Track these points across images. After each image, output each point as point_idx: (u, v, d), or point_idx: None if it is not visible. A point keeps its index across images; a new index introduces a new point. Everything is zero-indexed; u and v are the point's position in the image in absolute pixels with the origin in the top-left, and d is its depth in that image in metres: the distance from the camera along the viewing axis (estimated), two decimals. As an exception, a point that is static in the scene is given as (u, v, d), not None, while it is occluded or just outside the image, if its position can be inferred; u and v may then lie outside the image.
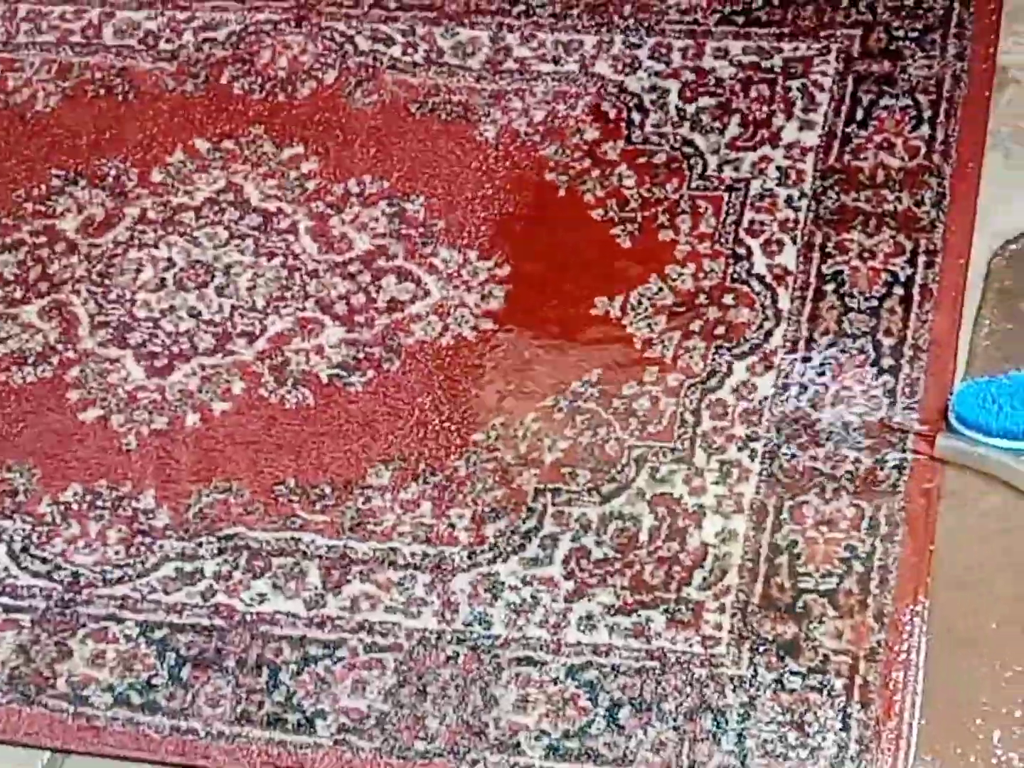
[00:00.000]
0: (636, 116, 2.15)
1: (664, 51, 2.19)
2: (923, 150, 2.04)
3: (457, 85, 2.21)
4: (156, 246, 2.16)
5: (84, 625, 1.88)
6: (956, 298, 1.94)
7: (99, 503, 1.96)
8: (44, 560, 1.94)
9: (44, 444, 2.02)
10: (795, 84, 2.12)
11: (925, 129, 2.06)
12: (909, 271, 1.96)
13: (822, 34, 2.15)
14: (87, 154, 2.24)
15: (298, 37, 2.29)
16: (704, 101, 2.14)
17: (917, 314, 1.93)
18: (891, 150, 2.05)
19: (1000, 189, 2.01)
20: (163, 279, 2.13)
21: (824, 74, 2.12)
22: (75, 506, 1.97)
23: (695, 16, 2.21)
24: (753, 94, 2.13)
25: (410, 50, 2.25)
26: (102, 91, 2.29)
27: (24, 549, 1.95)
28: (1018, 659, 1.71)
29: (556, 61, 2.20)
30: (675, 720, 1.72)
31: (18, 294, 2.15)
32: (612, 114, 2.16)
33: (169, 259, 2.15)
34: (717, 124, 2.11)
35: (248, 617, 1.85)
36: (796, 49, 2.15)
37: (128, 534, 1.94)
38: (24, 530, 1.96)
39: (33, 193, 2.22)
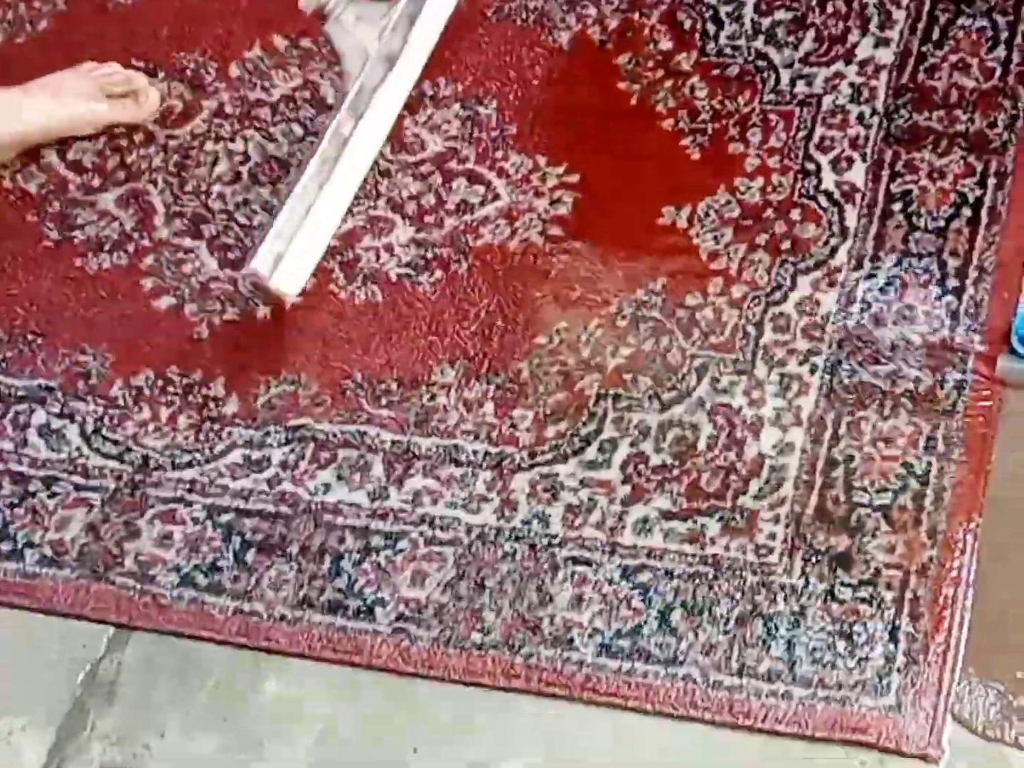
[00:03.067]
0: (711, 27, 2.14)
1: (742, -37, 2.27)
2: (999, 71, 2.02)
3: (534, -10, 2.30)
4: (232, 140, 2.18)
5: (152, 506, 1.93)
6: (1024, 222, 2.01)
7: (170, 389, 2.00)
8: (115, 442, 1.98)
9: (118, 329, 2.07)
10: (872, 0, 2.11)
11: (1001, 51, 2.03)
12: (978, 192, 1.95)
13: (902, -49, 2.22)
14: (166, 47, 2.26)
15: (380, -64, 2.38)
16: (780, 15, 2.12)
17: (984, 236, 1.92)
18: (966, 71, 2.03)
19: (1073, 114, 2.06)
20: (238, 172, 2.16)
21: (902, -10, 2.19)
22: (146, 391, 2.01)
23: (774, -71, 2.27)
24: (829, 9, 2.11)
25: (487, -46, 2.34)
26: (183, -17, 2.40)
27: (96, 431, 2.00)
28: (1067, 580, 1.80)
29: (633, -31, 2.29)
30: (726, 625, 1.75)
31: (96, 182, 2.18)
32: (687, 24, 2.15)
33: (245, 153, 2.17)
34: (792, 39, 2.10)
35: (312, 506, 1.90)
36: (875, -35, 2.22)
37: (197, 420, 1.98)
38: (96, 412, 2.01)
39: (114, 83, 2.34)
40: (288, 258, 1.82)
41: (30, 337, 2.08)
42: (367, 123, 1.99)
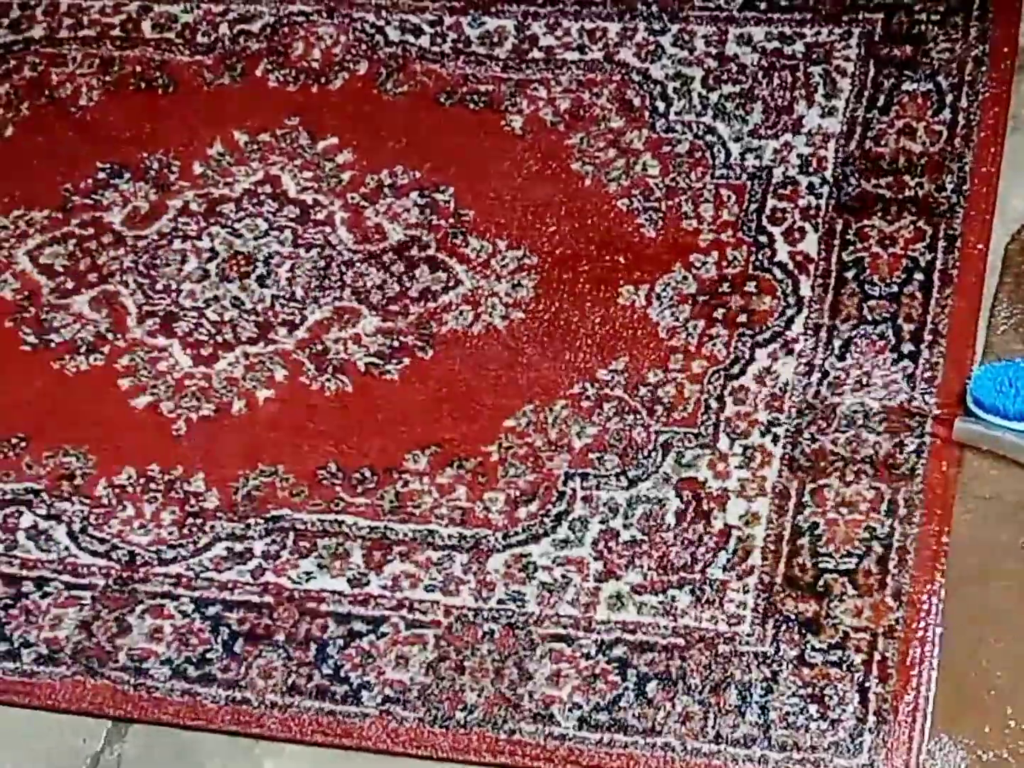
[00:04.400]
0: (660, 104, 2.17)
1: (687, 38, 2.21)
2: (944, 135, 2.06)
3: (485, 75, 2.25)
4: (199, 237, 2.22)
5: (142, 602, 1.98)
6: (975, 283, 1.96)
7: (152, 486, 2.05)
8: (102, 540, 2.03)
9: (98, 430, 2.11)
10: (817, 70, 2.13)
11: (947, 113, 2.07)
12: (929, 257, 1.99)
13: (844, 18, 2.16)
14: (131, 148, 2.29)
15: (330, 29, 2.33)
16: (727, 88, 2.16)
17: (937, 299, 1.96)
18: (912, 135, 2.06)
19: (1021, 173, 2.01)
20: (206, 270, 2.20)
21: (846, 59, 2.13)
22: (130, 489, 2.06)
23: (718, 2, 2.22)
24: (776, 81, 2.14)
25: (439, 40, 2.28)
26: (143, 85, 2.35)
27: (83, 530, 2.05)
28: (1031, 635, 1.83)
29: (581, 49, 2.23)
30: (701, 694, 1.80)
31: (69, 285, 2.22)
32: (636, 102, 2.18)
33: (212, 250, 2.21)
34: (740, 112, 2.13)
35: (296, 594, 1.94)
36: (818, 34, 2.16)
37: (180, 516, 2.03)
38: (82, 512, 2.06)
39: (80, 186, 2.28)
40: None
41: (13, 441, 2.11)
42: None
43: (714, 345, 1.99)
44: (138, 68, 2.36)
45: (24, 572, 2.02)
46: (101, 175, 2.28)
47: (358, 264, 2.15)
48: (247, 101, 2.29)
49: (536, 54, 2.24)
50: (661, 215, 2.09)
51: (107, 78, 2.36)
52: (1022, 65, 2.09)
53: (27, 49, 2.42)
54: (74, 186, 2.28)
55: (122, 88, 2.35)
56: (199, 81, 2.33)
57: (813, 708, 1.76)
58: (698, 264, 2.05)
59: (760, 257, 2.04)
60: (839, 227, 2.03)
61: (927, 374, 1.92)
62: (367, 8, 2.32)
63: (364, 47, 2.30)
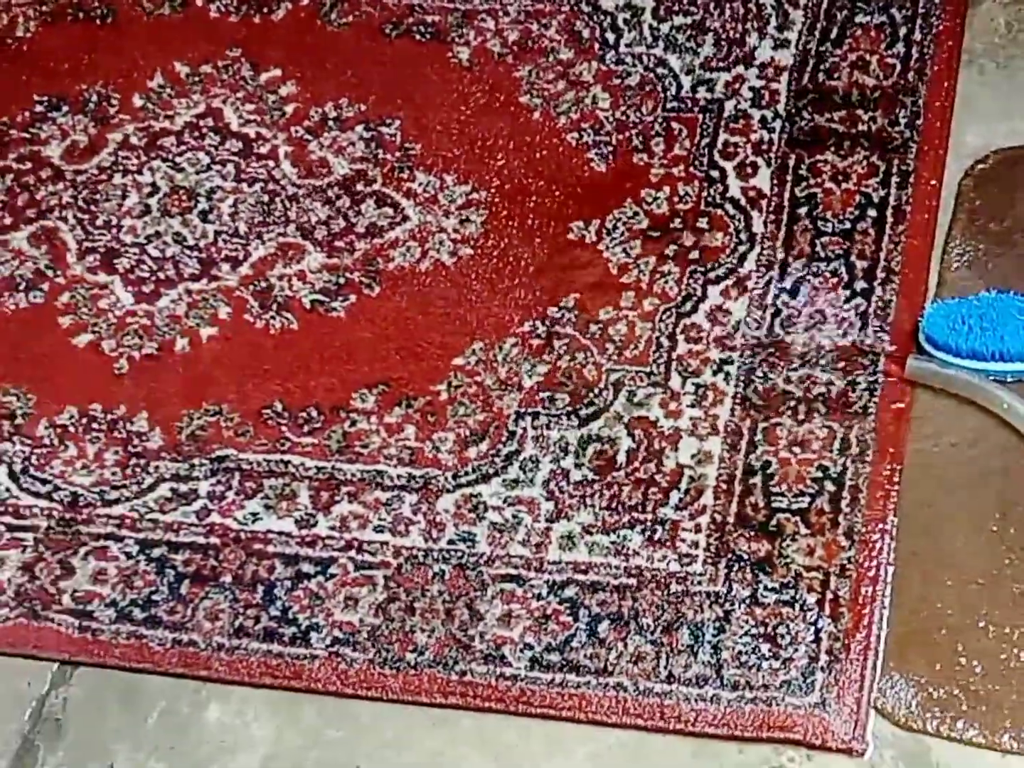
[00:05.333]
0: (610, 36, 2.14)
1: (638, -33, 2.26)
2: (898, 68, 2.04)
3: (431, 5, 2.21)
4: (140, 172, 2.18)
5: (85, 544, 1.95)
6: (929, 220, 1.95)
7: (94, 426, 2.02)
8: (44, 481, 2.00)
9: (39, 369, 2.07)
10: (769, 1, 2.11)
11: (900, 47, 2.05)
12: (882, 192, 1.97)
13: (797, -53, 2.21)
14: (69, 80, 2.25)
15: (271, -44, 2.38)
16: (678, 20, 2.13)
17: (890, 236, 1.94)
18: (866, 69, 2.05)
19: (974, 107, 2.00)
20: (147, 205, 2.16)
21: (799, -11, 2.18)
22: (71, 429, 2.02)
23: (670, -69, 2.26)
24: (727, 12, 2.12)
25: (383, -32, 2.33)
26: (80, 15, 2.30)
27: (24, 471, 2.01)
28: (981, 573, 1.76)
29: (529, -22, 2.29)
30: (653, 634, 1.78)
31: (7, 220, 2.18)
32: (586, 34, 2.16)
33: (153, 184, 2.17)
34: (691, 44, 2.11)
35: (242, 536, 1.91)
36: (770, -36, 2.22)
37: (124, 456, 1.99)
38: (23, 452, 2.02)
39: (17, 119, 2.24)
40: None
41: (-48, 381, 2.17)
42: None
43: (666, 282, 1.97)
44: (76, -2, 2.40)
45: (-36, 515, 2.07)
46: (39, 108, 2.24)
47: (302, 199, 2.11)
48: (188, 32, 2.25)
49: (484, -17, 2.30)
50: (611, 149, 2.06)
51: (44, 8, 2.32)
52: (976, -3, 2.13)
53: (-40, -22, 2.45)
54: (11, 119, 2.24)
55: (59, 19, 2.30)
56: (138, 11, 2.28)
57: (765, 647, 1.75)
58: (649, 199, 2.02)
59: (712, 192, 2.01)
60: (792, 162, 2.01)
61: (880, 312, 1.90)
62: (310, -65, 2.36)
63: (307, -25, 2.35)
